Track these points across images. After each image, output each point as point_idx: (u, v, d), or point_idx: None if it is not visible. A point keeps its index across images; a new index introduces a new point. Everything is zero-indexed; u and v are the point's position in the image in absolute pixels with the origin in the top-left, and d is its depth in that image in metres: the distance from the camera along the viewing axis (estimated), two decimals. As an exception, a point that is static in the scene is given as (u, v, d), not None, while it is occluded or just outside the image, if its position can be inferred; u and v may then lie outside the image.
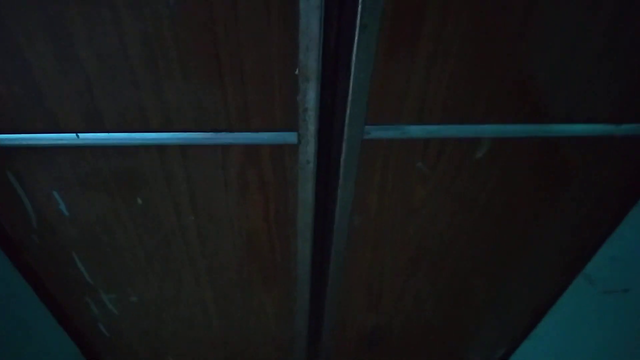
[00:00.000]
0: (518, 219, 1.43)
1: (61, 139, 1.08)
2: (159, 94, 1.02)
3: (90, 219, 1.31)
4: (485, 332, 1.97)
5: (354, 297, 1.67)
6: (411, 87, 1.04)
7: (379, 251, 1.48)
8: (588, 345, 1.66)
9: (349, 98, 1.05)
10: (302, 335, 1.85)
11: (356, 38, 0.94)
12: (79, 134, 1.07)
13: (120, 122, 1.07)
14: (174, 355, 1.97)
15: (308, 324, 1.78)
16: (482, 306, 1.81)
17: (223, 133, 1.10)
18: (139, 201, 1.26)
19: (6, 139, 1.07)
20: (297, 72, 0.99)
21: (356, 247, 1.45)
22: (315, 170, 1.20)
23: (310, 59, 0.96)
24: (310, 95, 1.03)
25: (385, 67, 0.99)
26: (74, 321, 1.70)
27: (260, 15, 0.89)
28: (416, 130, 1.13)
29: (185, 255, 1.44)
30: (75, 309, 1.65)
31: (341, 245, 1.43)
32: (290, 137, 1.12)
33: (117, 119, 1.06)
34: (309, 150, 1.15)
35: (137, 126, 1.09)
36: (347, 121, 1.09)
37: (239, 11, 0.89)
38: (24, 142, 1.08)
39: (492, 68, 1.03)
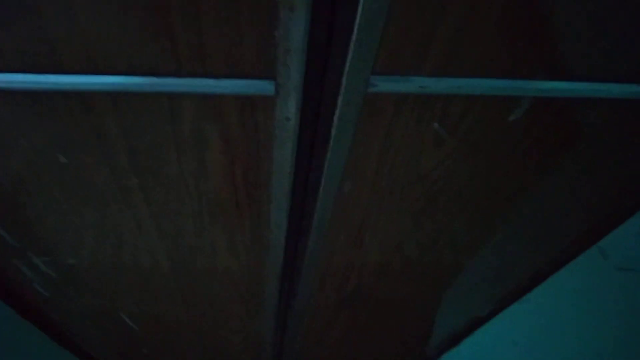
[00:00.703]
0: (536, 185, 1.18)
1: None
2: (72, 23, 0.68)
3: (1, 177, 0.99)
4: (473, 289, 1.81)
5: (335, 263, 1.45)
6: (440, 26, 0.73)
7: (370, 220, 1.23)
8: (586, 317, 1.51)
9: (353, 37, 0.73)
10: (274, 298, 1.65)
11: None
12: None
13: (25, 60, 0.73)
14: (127, 313, 1.75)
15: (279, 287, 1.57)
16: (473, 264, 1.62)
17: (168, 78, 0.77)
18: (62, 159, 0.95)
19: None
20: (276, -5, 0.66)
21: (343, 215, 1.20)
22: (298, 130, 0.90)
23: (296, -23, 0.63)
24: (294, 31, 0.70)
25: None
26: (2, 282, 1.43)
27: None
28: (439, 84, 0.83)
29: (132, 221, 1.16)
30: (1, 271, 1.37)
31: (325, 214, 1.17)
32: (265, 87, 0.81)
33: (20, 56, 0.72)
34: (290, 105, 0.84)
35: (48, 66, 0.75)
36: (347, 68, 0.78)
37: None
38: None
39: (548, 12, 0.72)
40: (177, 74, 0.78)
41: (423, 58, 0.79)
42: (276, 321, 1.88)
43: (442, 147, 1.00)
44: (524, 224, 1.36)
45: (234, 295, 1.64)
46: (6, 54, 0.73)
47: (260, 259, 1.38)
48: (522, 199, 1.22)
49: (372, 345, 2.32)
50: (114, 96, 0.82)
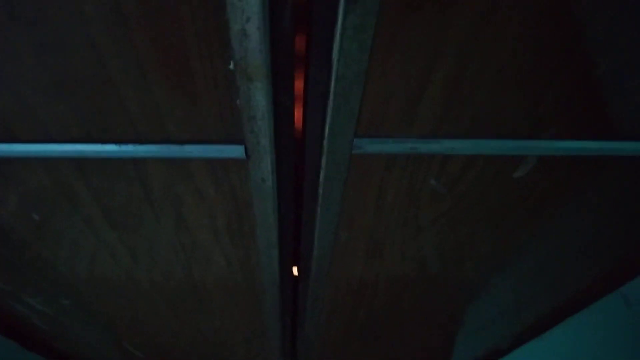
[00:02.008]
0: (549, 232, 1.07)
1: None
2: (21, 99, 0.62)
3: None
4: (492, 323, 1.70)
5: (340, 303, 1.37)
6: (428, 87, 0.64)
7: (372, 264, 1.15)
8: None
9: (329, 103, 0.65)
10: (277, 337, 1.59)
11: (341, 9, 0.52)
12: None
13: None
14: (130, 342, 1.72)
15: (282, 325, 1.50)
16: (487, 300, 1.51)
17: (129, 145, 0.71)
18: (35, 217, 0.90)
19: None
20: (231, 66, 0.58)
21: (343, 261, 1.12)
22: (276, 189, 0.83)
23: (251, 48, 0.55)
24: (257, 100, 0.63)
25: (389, 56, 0.59)
26: (2, 319, 1.42)
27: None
28: (431, 146, 0.74)
29: (118, 269, 1.11)
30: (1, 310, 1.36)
31: (324, 260, 1.10)
32: (234, 151, 0.73)
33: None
34: (264, 167, 0.76)
35: (1, 136, 0.70)
36: (326, 133, 0.70)
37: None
38: None
39: (551, 69, 0.61)
40: (138, 141, 0.71)
41: (411, 120, 0.71)
42: (282, 353, 1.82)
43: (442, 202, 0.91)
44: (539, 266, 1.25)
45: (237, 332, 1.58)
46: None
47: (256, 300, 1.31)
48: (534, 244, 1.11)
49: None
50: (78, 162, 0.76)
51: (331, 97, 0.65)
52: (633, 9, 0.56)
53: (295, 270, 1.25)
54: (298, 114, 0.72)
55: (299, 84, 0.67)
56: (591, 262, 1.24)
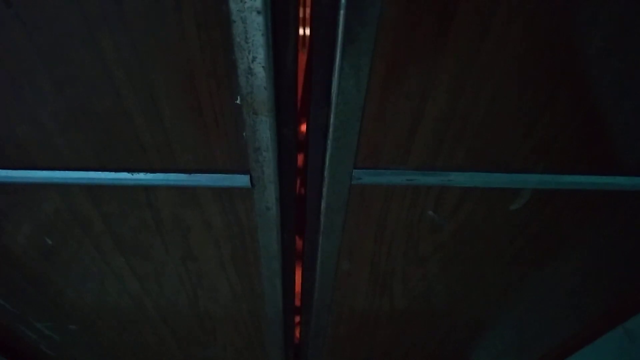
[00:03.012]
0: (549, 266, 1.08)
1: None
2: (36, 125, 0.67)
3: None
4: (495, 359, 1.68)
5: (343, 334, 1.38)
6: (421, 122, 0.68)
7: (374, 295, 1.17)
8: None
9: (329, 136, 0.69)
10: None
11: (338, 50, 0.56)
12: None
13: (2, 157, 0.74)
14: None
15: (285, 356, 1.50)
16: (491, 334, 1.50)
17: (141, 174, 0.75)
18: (49, 242, 0.94)
19: None
20: (238, 101, 0.62)
21: (345, 291, 1.14)
22: (280, 217, 0.86)
23: (256, 85, 0.59)
24: (262, 132, 0.67)
25: (384, 93, 0.63)
26: (11, 345, 1.44)
27: (168, 15, 0.52)
28: (427, 178, 0.77)
29: (126, 296, 1.14)
30: (8, 335, 1.38)
31: (325, 290, 1.12)
32: (240, 180, 0.77)
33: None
34: (268, 196, 0.80)
35: (19, 162, 0.75)
36: (327, 164, 0.74)
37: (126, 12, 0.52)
38: None
39: (543, 104, 0.65)
40: (150, 169, 0.76)
41: (407, 152, 0.74)
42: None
43: (440, 233, 0.93)
44: (541, 300, 1.26)
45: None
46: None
47: (259, 330, 1.33)
48: (535, 278, 1.12)
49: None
50: (91, 189, 0.80)
51: (331, 130, 0.69)
52: (626, 41, 0.59)
53: (298, 300, 1.27)
54: (300, 146, 0.77)
55: (301, 118, 0.72)
56: (593, 297, 1.25)
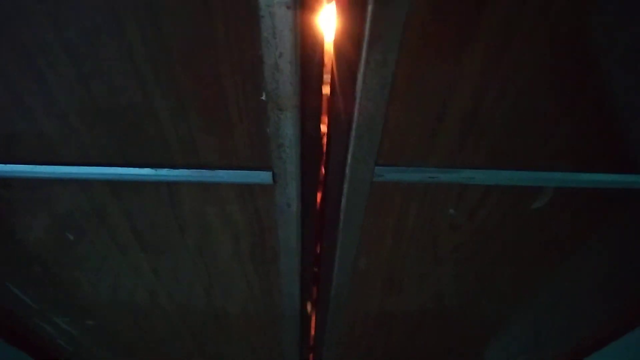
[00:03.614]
0: (568, 265, 1.07)
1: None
2: (62, 120, 0.68)
3: (17, 248, 1.01)
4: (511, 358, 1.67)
5: (357, 332, 1.38)
6: (444, 120, 0.68)
7: (391, 294, 1.16)
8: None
9: (352, 132, 0.69)
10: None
11: (365, 45, 0.57)
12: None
13: (28, 152, 0.75)
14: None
15: (300, 356, 1.51)
16: (507, 334, 1.49)
17: (164, 170, 0.76)
18: (70, 237, 0.95)
19: None
20: (263, 97, 0.63)
21: (362, 289, 1.14)
22: (300, 214, 0.86)
23: (282, 81, 0.60)
24: (286, 129, 0.67)
25: (409, 90, 0.63)
26: (29, 340, 1.46)
27: (196, 10, 0.53)
28: (449, 175, 0.77)
29: (144, 290, 1.15)
30: (27, 330, 1.39)
31: (342, 287, 1.12)
32: (262, 177, 0.77)
33: (23, 149, 0.74)
34: (289, 192, 0.80)
35: (44, 157, 0.76)
36: (349, 161, 0.74)
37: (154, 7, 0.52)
38: None
39: (567, 102, 0.65)
40: (173, 165, 0.76)
41: (429, 150, 0.74)
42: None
43: (460, 232, 0.93)
44: (560, 300, 1.25)
45: (255, 359, 1.59)
46: (11, 147, 0.74)
47: (276, 328, 1.33)
48: (554, 278, 1.11)
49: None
50: (114, 184, 0.81)
51: (354, 127, 0.69)
52: None
53: (314, 298, 1.27)
54: (323, 142, 0.77)
55: (325, 115, 0.72)
56: (612, 297, 1.23)
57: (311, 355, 1.60)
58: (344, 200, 0.84)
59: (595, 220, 0.90)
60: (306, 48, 0.58)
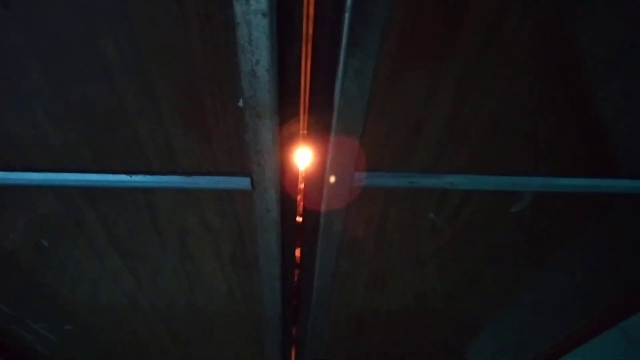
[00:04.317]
0: (547, 267, 1.08)
1: None
2: (35, 127, 0.66)
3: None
4: (492, 358, 1.69)
5: (340, 333, 1.37)
6: (425, 125, 0.68)
7: (373, 298, 1.16)
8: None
9: (331, 139, 0.68)
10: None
11: (343, 53, 0.56)
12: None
13: (1, 159, 0.73)
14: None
15: (282, 356, 1.50)
16: (488, 334, 1.51)
17: (140, 176, 0.74)
18: (45, 243, 0.93)
19: None
20: (240, 103, 0.62)
21: (343, 292, 1.13)
22: (280, 219, 0.85)
23: (259, 88, 0.59)
24: (264, 135, 0.66)
25: (387, 97, 0.63)
26: (8, 347, 1.43)
27: (171, 17, 0.51)
28: (429, 180, 0.77)
29: (122, 296, 1.13)
30: (5, 337, 1.37)
31: (323, 292, 1.11)
32: (241, 183, 0.76)
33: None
34: (269, 198, 0.79)
35: (17, 164, 0.74)
36: (328, 167, 0.73)
37: (128, 12, 0.51)
38: None
39: (544, 109, 0.65)
40: (149, 172, 0.75)
41: (409, 155, 0.74)
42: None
43: (440, 235, 0.93)
44: (539, 301, 1.26)
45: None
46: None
47: (257, 330, 1.32)
48: (534, 280, 1.12)
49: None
50: (89, 190, 0.80)
51: (333, 133, 0.68)
52: (628, 46, 0.59)
53: (296, 301, 1.27)
54: (302, 148, 0.76)
55: (303, 121, 0.71)
56: (591, 297, 1.25)
57: (293, 356, 1.60)
58: (323, 205, 0.84)
59: (574, 224, 0.91)
60: (283, 55, 0.57)
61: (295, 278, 1.13)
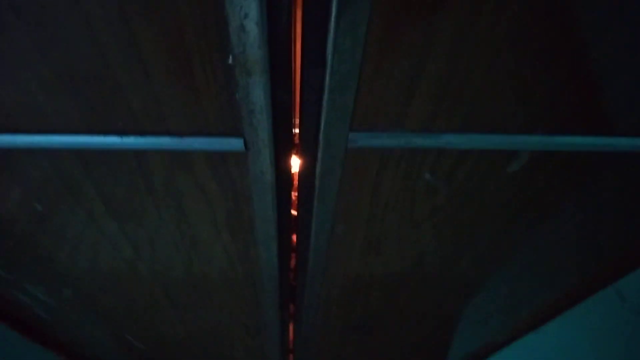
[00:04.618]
0: (544, 226, 1.09)
1: None
2: (22, 89, 0.64)
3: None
4: (488, 316, 1.72)
5: (336, 295, 1.39)
6: (420, 83, 0.66)
7: (367, 260, 1.17)
8: (598, 356, 1.41)
9: (325, 96, 0.67)
10: (275, 327, 1.61)
11: (335, 4, 0.54)
12: None
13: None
14: (132, 334, 1.74)
15: (280, 317, 1.52)
16: (483, 295, 1.53)
17: (131, 137, 0.73)
18: (38, 207, 0.92)
19: None
20: (230, 60, 0.60)
21: (339, 254, 1.14)
22: (274, 182, 0.84)
23: (249, 43, 0.57)
24: (255, 94, 0.64)
25: (381, 56, 0.60)
26: (8, 312, 1.44)
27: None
28: (425, 140, 0.76)
29: (121, 262, 1.14)
30: (5, 301, 1.38)
31: (320, 253, 1.12)
32: (234, 144, 0.75)
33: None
34: (263, 160, 0.78)
35: (5, 127, 0.73)
36: (322, 127, 0.72)
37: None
38: None
39: (541, 66, 0.63)
40: (140, 133, 0.73)
41: (405, 114, 0.72)
42: (281, 348, 1.84)
43: (436, 197, 0.93)
44: (535, 261, 1.27)
45: (236, 325, 1.61)
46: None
47: (255, 294, 1.33)
48: (530, 240, 1.13)
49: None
50: (80, 153, 0.78)
51: (326, 91, 0.67)
52: (624, 3, 0.57)
53: (293, 264, 1.27)
54: (295, 108, 0.74)
55: (296, 79, 0.69)
56: (586, 257, 1.26)
57: (291, 321, 1.62)
58: (318, 167, 0.83)
59: (571, 183, 0.90)
60: (273, 8, 0.55)
61: (292, 241, 1.13)
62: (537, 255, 1.25)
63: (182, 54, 0.60)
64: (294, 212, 1.02)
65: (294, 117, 0.76)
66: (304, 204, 0.98)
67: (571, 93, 0.70)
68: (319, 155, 0.80)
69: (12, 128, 0.73)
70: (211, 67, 0.62)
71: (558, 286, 1.43)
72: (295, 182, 0.93)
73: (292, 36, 0.61)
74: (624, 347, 1.32)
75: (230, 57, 0.60)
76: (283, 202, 0.94)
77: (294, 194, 0.99)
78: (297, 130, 0.80)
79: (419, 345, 1.97)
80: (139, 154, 0.79)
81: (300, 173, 0.89)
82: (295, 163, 0.88)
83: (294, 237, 1.13)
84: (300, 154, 0.83)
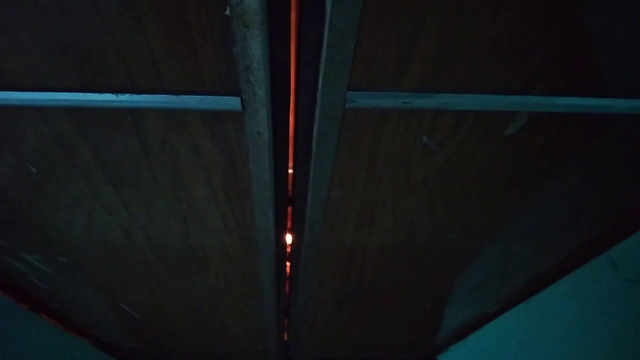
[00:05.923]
0: (539, 192, 1.09)
1: None
2: (15, 43, 0.63)
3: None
4: (481, 286, 1.74)
5: (332, 262, 1.40)
6: (419, 41, 0.65)
7: (362, 227, 1.17)
8: (591, 324, 1.44)
9: (323, 53, 0.66)
10: (271, 296, 1.62)
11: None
12: None
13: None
14: (127, 303, 1.75)
15: (276, 286, 1.53)
16: (476, 265, 1.55)
17: (126, 95, 0.72)
18: (33, 169, 0.91)
19: None
20: (227, 12, 0.59)
21: (335, 220, 1.14)
22: (271, 143, 0.84)
23: (247, -7, 0.56)
24: (253, 48, 0.63)
25: (380, 10, 0.59)
26: (3, 279, 1.44)
27: None
28: (423, 100, 0.75)
29: (115, 227, 1.13)
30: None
31: (316, 219, 1.12)
32: (230, 103, 0.74)
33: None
34: (260, 120, 0.78)
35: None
36: (320, 85, 0.71)
37: None
38: None
39: (541, 24, 0.63)
40: (135, 91, 0.72)
41: (403, 74, 0.72)
42: (277, 316, 1.86)
43: (433, 160, 0.93)
44: (528, 230, 1.28)
45: (232, 293, 1.62)
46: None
47: (252, 260, 1.34)
48: (524, 207, 1.13)
49: (380, 335, 2.30)
50: (74, 111, 0.77)
51: (325, 47, 0.66)
52: None
53: (289, 229, 1.28)
54: (293, 65, 0.73)
55: (293, 34, 0.68)
56: (579, 225, 1.27)
57: (287, 286, 1.64)
58: (315, 128, 0.83)
59: (569, 146, 0.90)
60: (271, -45, 0.54)
61: (288, 206, 1.13)
62: (530, 223, 1.26)
63: (178, 5, 0.59)
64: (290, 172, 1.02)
65: (292, 75, 0.75)
66: (301, 167, 0.98)
67: (571, 53, 0.69)
68: (317, 115, 0.79)
69: (6, 85, 0.71)
70: (208, 18, 0.61)
71: (551, 255, 1.45)
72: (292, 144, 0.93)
73: (291, -13, 0.60)
74: (616, 314, 1.35)
75: (228, 8, 0.59)
76: (280, 165, 0.93)
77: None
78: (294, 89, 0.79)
79: (412, 315, 1.99)
80: (134, 113, 0.78)
81: (297, 134, 0.88)
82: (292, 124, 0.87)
83: (291, 202, 1.13)
84: (297, 114, 0.83)
